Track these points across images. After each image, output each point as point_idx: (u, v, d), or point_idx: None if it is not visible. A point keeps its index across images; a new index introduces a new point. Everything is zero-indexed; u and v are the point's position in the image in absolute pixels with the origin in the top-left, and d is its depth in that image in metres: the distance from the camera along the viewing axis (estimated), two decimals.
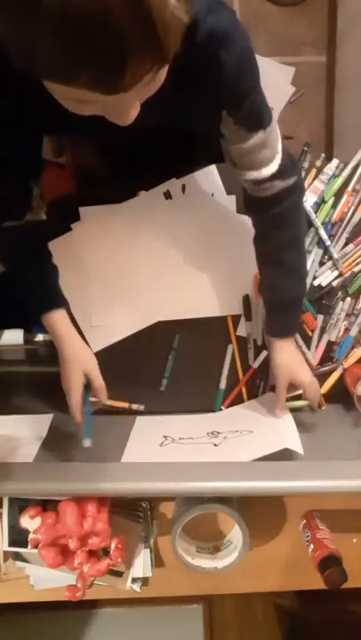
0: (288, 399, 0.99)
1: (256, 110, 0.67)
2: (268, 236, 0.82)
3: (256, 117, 0.68)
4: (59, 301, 0.85)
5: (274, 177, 0.74)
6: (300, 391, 0.99)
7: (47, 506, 0.83)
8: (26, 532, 0.82)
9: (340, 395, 1.00)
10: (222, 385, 1.01)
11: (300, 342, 0.99)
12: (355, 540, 0.92)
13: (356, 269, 0.97)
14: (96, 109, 0.49)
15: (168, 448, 0.87)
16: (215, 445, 0.86)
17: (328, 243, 0.96)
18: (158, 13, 0.40)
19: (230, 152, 0.72)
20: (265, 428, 0.89)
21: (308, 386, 0.90)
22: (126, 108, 0.50)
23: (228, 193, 0.96)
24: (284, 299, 0.87)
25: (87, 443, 0.80)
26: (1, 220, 0.79)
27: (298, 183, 0.78)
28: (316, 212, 0.95)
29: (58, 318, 0.85)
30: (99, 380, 0.86)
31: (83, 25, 0.38)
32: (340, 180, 0.95)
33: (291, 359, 0.91)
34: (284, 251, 0.82)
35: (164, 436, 0.91)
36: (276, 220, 0.80)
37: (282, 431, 0.86)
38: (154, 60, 0.43)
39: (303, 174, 0.94)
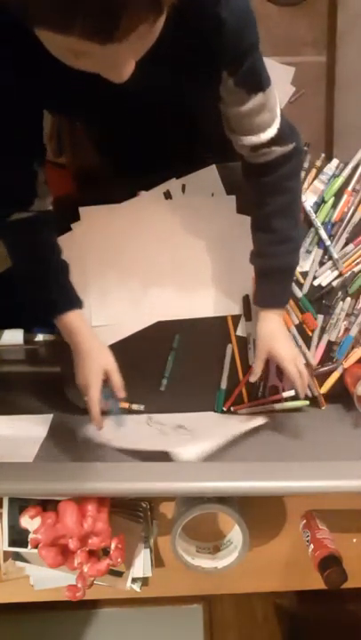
0: (288, 399, 0.99)
1: (256, 71, 0.66)
2: (261, 202, 0.80)
3: (256, 78, 0.67)
4: (75, 301, 0.85)
5: (272, 142, 0.73)
6: None
7: (47, 506, 0.82)
8: (26, 531, 0.82)
9: (340, 395, 1.00)
10: (223, 385, 1.01)
11: (300, 342, 0.99)
12: (355, 540, 0.92)
13: (356, 269, 0.97)
14: (92, 64, 0.49)
15: (139, 426, 0.90)
16: (161, 434, 0.87)
17: (328, 243, 0.96)
18: None
19: (229, 116, 0.71)
20: (199, 434, 0.89)
21: (287, 363, 0.85)
22: (122, 62, 0.49)
23: (228, 193, 0.96)
24: (273, 266, 0.84)
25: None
26: (9, 207, 0.78)
27: (297, 149, 0.76)
28: (316, 212, 0.95)
29: (75, 317, 0.84)
30: (118, 377, 0.86)
31: None
32: (340, 180, 0.95)
33: (273, 330, 0.86)
34: (276, 217, 0.80)
35: (149, 417, 0.94)
36: (270, 187, 0.78)
37: (198, 440, 0.84)
38: (150, 8, 0.43)
39: (303, 174, 0.94)
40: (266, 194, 0.79)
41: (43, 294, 0.84)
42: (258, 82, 0.67)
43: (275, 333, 0.86)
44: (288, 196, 0.80)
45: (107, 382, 0.85)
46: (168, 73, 0.63)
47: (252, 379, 0.89)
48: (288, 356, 0.86)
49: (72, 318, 0.84)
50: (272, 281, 0.86)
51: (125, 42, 0.44)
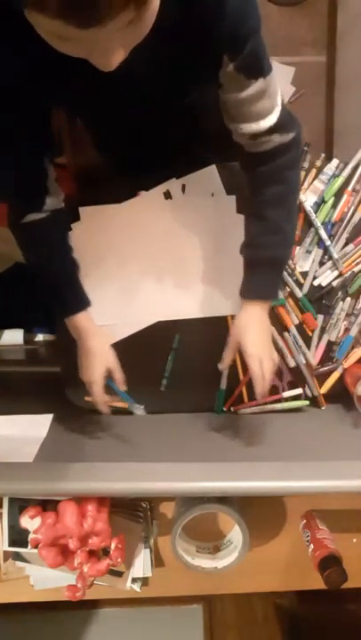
0: (288, 399, 0.99)
1: (257, 55, 0.65)
2: (257, 191, 0.79)
3: (257, 63, 0.66)
4: (85, 302, 0.87)
5: (272, 130, 0.72)
6: (300, 391, 0.99)
7: (47, 506, 0.83)
8: (26, 531, 0.82)
9: (340, 395, 1.00)
10: (223, 385, 1.01)
11: (301, 342, 0.99)
12: (355, 540, 0.92)
13: (356, 269, 0.97)
14: (77, 48, 0.49)
15: None
16: None
17: (328, 243, 0.96)
18: None
19: (228, 103, 0.70)
20: None
21: (250, 359, 0.82)
22: (108, 50, 0.49)
23: (228, 193, 0.95)
24: (261, 257, 0.81)
25: (140, 410, 0.95)
26: (24, 209, 0.78)
27: (296, 139, 0.75)
28: (316, 212, 0.95)
29: (83, 318, 0.87)
30: (120, 374, 0.90)
31: None
32: (340, 180, 0.95)
33: (249, 323, 0.83)
34: (270, 207, 0.78)
35: None
36: (267, 176, 0.77)
37: None
38: None
39: (303, 174, 0.94)
40: (262, 183, 0.78)
41: (54, 294, 0.87)
42: (259, 67, 0.66)
43: (249, 326, 0.83)
44: (284, 186, 0.78)
45: (108, 378, 0.89)
46: (168, 60, 0.62)
47: (221, 367, 0.88)
48: (254, 353, 0.82)
49: (80, 318, 0.87)
50: (259, 272, 0.83)
51: (106, 29, 0.44)
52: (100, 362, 0.88)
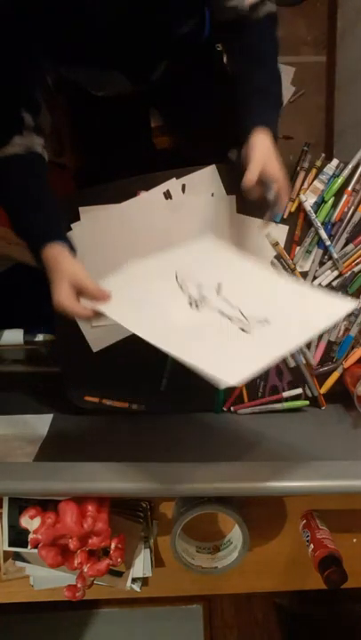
0: (288, 399, 0.99)
1: None
2: (248, 53, 0.89)
3: None
4: (59, 234, 0.77)
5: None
6: (300, 391, 0.99)
7: (47, 506, 0.83)
8: (26, 531, 0.82)
9: (340, 395, 1.00)
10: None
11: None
12: (355, 540, 0.92)
13: (356, 269, 0.97)
14: None
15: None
16: (243, 331, 0.71)
17: (328, 243, 0.96)
18: None
19: None
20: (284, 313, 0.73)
21: (279, 172, 0.81)
22: None
23: (228, 193, 0.95)
24: (262, 86, 0.86)
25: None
26: None
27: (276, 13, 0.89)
28: (316, 212, 0.95)
29: (58, 251, 0.75)
30: (91, 283, 0.73)
31: None
32: (340, 180, 0.95)
33: (270, 146, 0.82)
34: (265, 59, 0.89)
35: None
36: (258, 35, 0.90)
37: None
38: None
39: (303, 174, 0.94)
40: (255, 42, 0.91)
41: (27, 230, 0.79)
42: None
43: (272, 149, 0.82)
44: (275, 45, 0.92)
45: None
46: None
47: (246, 184, 0.80)
48: (281, 169, 0.82)
49: (55, 252, 0.75)
50: (260, 100, 0.85)
51: None
52: (61, 275, 0.73)
